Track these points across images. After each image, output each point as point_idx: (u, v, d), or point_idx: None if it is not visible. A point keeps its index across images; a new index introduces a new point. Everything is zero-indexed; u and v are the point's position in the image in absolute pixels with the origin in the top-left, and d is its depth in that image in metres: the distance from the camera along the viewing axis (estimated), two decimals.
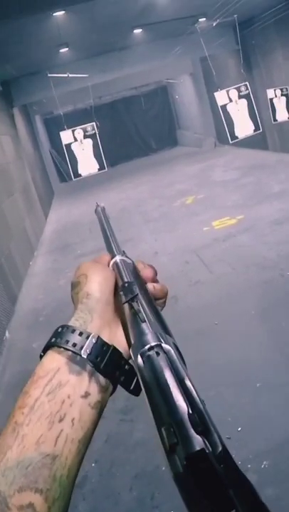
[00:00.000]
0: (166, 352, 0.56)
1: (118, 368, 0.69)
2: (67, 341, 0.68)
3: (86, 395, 0.66)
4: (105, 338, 0.70)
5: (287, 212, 8.71)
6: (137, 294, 0.71)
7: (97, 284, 0.76)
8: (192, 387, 0.51)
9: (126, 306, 0.70)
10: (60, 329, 0.70)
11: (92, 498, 3.53)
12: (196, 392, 0.50)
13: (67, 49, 10.63)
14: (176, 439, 0.44)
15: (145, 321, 0.64)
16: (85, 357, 0.66)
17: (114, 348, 0.70)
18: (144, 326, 0.63)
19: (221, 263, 7.31)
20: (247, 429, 3.74)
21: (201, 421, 0.46)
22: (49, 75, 11.60)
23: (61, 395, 0.64)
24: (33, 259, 10.55)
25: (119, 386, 0.71)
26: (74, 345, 0.67)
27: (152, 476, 3.55)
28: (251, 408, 3.99)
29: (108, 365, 0.68)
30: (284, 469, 3.24)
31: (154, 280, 0.82)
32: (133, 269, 0.83)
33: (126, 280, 0.76)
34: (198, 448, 0.43)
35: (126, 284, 0.74)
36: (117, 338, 0.73)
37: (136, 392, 0.69)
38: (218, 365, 4.65)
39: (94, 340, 0.68)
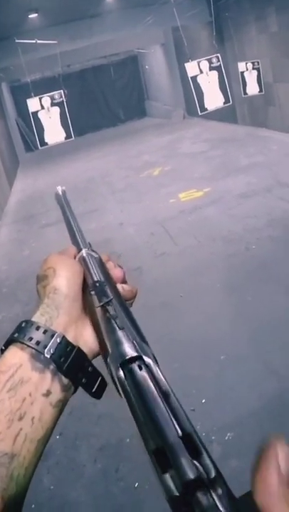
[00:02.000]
0: (147, 365, 0.55)
1: (81, 370, 0.68)
2: (31, 338, 0.66)
3: (48, 393, 0.64)
4: (71, 337, 0.70)
5: (254, 185, 8.72)
6: (112, 298, 0.68)
7: (65, 279, 0.74)
8: (178, 406, 0.49)
9: (99, 310, 0.68)
10: (23, 324, 0.68)
11: (57, 470, 3.52)
12: (183, 410, 0.48)
13: (36, 15, 10.40)
14: (170, 463, 0.43)
15: (122, 329, 0.62)
16: (48, 357, 0.65)
17: (79, 349, 0.69)
18: (120, 333, 0.61)
19: (186, 235, 7.29)
20: (211, 402, 3.76)
21: (192, 444, 0.44)
22: (17, 41, 11.33)
23: (22, 392, 0.62)
24: None
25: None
26: (37, 343, 0.65)
27: (117, 448, 3.55)
28: (215, 380, 4.01)
29: (71, 366, 0.67)
30: (247, 441, 3.26)
31: (124, 281, 0.81)
32: (100, 263, 0.80)
33: (96, 279, 0.74)
34: (193, 476, 0.41)
35: (97, 284, 0.72)
36: (83, 337, 0.72)
37: (97, 395, 0.70)
38: (182, 338, 4.66)
39: (58, 340, 0.67)
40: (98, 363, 0.67)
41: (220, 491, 0.41)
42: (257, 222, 7.08)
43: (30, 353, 0.65)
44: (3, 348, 0.67)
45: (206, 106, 11.22)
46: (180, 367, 4.18)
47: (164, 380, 0.53)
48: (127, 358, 0.56)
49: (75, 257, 0.83)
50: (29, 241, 8.52)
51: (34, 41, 11.50)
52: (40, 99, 11.13)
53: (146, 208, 9.13)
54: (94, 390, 0.69)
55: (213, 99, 11.24)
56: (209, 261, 6.22)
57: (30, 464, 0.60)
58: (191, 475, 0.41)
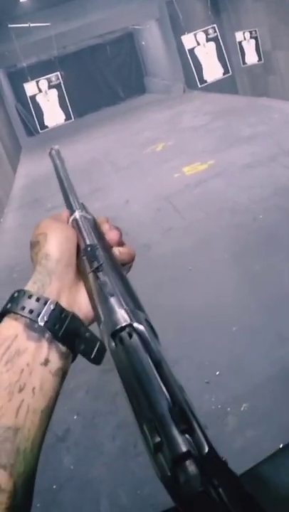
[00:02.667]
0: (139, 333, 0.53)
1: (77, 336, 0.67)
2: (24, 308, 0.65)
3: (46, 362, 0.63)
4: (64, 303, 0.68)
5: (258, 155, 8.67)
6: (103, 263, 0.67)
7: (57, 244, 0.73)
8: (170, 374, 0.48)
9: (91, 276, 0.67)
10: (16, 294, 0.67)
11: (76, 450, 3.56)
12: (175, 379, 0.47)
13: None
14: (159, 437, 0.41)
15: (113, 295, 0.60)
16: (42, 325, 0.64)
17: (73, 315, 0.67)
18: (112, 300, 0.59)
19: (193, 209, 7.27)
20: (225, 373, 3.78)
21: (183, 416, 0.42)
22: (9, 26, 11.25)
23: (20, 363, 0.61)
24: (3, 216, 10.44)
25: None
26: (30, 311, 0.64)
27: (133, 425, 3.56)
28: (228, 352, 4.02)
29: (67, 333, 0.65)
30: (262, 411, 3.28)
31: (120, 243, 0.79)
32: (94, 225, 0.79)
33: (88, 242, 0.73)
34: (183, 450, 0.39)
35: (89, 248, 0.71)
36: (77, 303, 0.71)
37: (97, 361, 0.68)
38: (193, 311, 4.67)
39: (52, 307, 0.65)
40: (95, 328, 0.65)
41: (212, 468, 0.39)
42: (263, 191, 7.04)
43: (25, 323, 0.64)
44: None
45: (205, 78, 11.16)
46: (192, 340, 4.20)
47: (156, 347, 0.51)
48: (118, 327, 0.54)
49: (68, 221, 0.82)
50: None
51: (27, 25, 11.43)
52: (37, 82, 11.13)
53: (151, 184, 9.10)
54: (93, 356, 0.67)
55: (212, 70, 11.17)
56: (217, 233, 6.21)
57: (36, 436, 0.58)
58: (180, 449, 0.40)
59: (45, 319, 0.64)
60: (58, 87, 11.19)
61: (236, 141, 10.04)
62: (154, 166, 10.29)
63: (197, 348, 4.09)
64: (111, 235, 0.78)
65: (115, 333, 0.54)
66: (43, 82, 11.11)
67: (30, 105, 11.23)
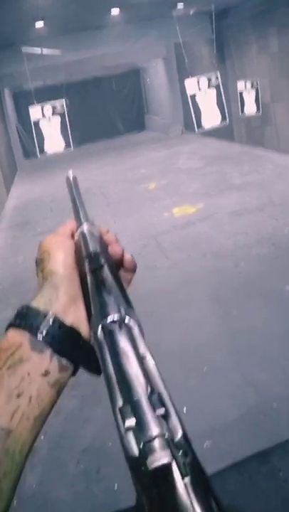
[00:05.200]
0: (128, 327, 0.56)
1: (76, 349, 0.69)
2: (26, 322, 0.68)
3: (46, 373, 0.66)
4: (71, 316, 0.71)
5: (247, 204, 8.88)
6: (103, 265, 0.70)
7: (61, 262, 0.76)
8: (154, 366, 0.50)
9: (90, 276, 0.70)
10: (20, 309, 0.71)
11: (41, 469, 3.61)
12: (159, 372, 0.49)
13: (42, 23, 10.54)
14: (133, 420, 0.42)
15: (109, 293, 0.64)
16: (41, 339, 0.66)
17: (72, 329, 0.70)
18: (107, 297, 0.63)
19: (178, 249, 7.45)
20: (192, 410, 3.89)
21: (161, 402, 0.44)
22: (23, 50, 11.47)
23: (21, 371, 0.64)
24: None
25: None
26: (31, 325, 0.67)
27: (99, 450, 3.66)
28: (197, 390, 4.14)
29: (65, 346, 0.68)
30: (224, 450, 3.40)
31: (122, 256, 0.82)
32: (99, 239, 0.81)
33: (92, 250, 0.76)
34: (156, 433, 0.40)
35: (92, 254, 0.74)
36: (82, 317, 0.73)
37: (97, 372, 0.66)
38: (168, 348, 4.77)
39: (50, 322, 0.68)
40: None
41: (183, 454, 0.40)
42: (247, 239, 7.24)
43: (30, 334, 0.67)
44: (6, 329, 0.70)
45: (202, 124, 11.39)
46: (164, 375, 4.32)
47: (143, 342, 0.54)
48: (109, 317, 0.57)
49: (73, 234, 0.85)
50: (24, 247, 8.63)
51: (40, 51, 11.65)
52: (42, 107, 11.24)
53: (140, 221, 9.27)
54: (93, 367, 0.68)
55: (211, 117, 11.42)
56: (198, 275, 6.37)
57: (26, 441, 0.61)
58: (154, 432, 0.40)
59: (44, 333, 0.67)
60: (61, 114, 11.33)
61: (228, 187, 10.26)
62: (145, 203, 10.47)
63: (168, 383, 4.20)
64: (115, 248, 0.81)
65: (105, 325, 0.57)
66: (48, 108, 11.25)
67: (33, 129, 11.35)
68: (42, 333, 0.67)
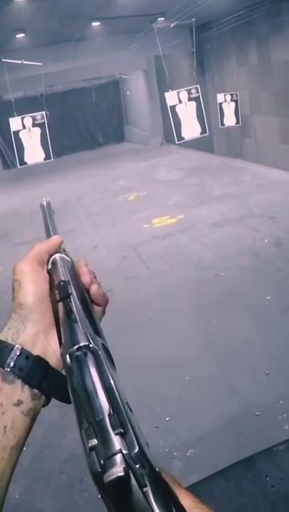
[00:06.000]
0: (93, 352, 0.57)
1: (45, 378, 0.70)
2: None
3: (19, 402, 0.67)
4: (39, 348, 0.72)
5: (226, 215, 8.96)
6: (71, 294, 0.71)
7: (31, 294, 0.75)
8: (115, 389, 0.52)
9: (60, 305, 0.70)
10: None
11: (23, 480, 3.61)
12: (119, 394, 0.51)
13: (23, 35, 10.55)
14: (96, 439, 0.45)
15: (76, 321, 0.64)
16: (9, 370, 0.67)
17: (40, 359, 0.71)
18: (75, 326, 0.63)
19: (158, 260, 7.49)
20: (174, 419, 3.91)
21: (119, 422, 0.46)
22: (3, 60, 11.45)
23: None
24: None
25: None
26: None
27: (82, 460, 3.62)
28: (179, 399, 4.17)
29: (33, 376, 0.69)
30: (208, 457, 3.42)
31: (93, 285, 0.81)
32: (71, 267, 0.82)
33: (62, 278, 0.76)
34: (114, 450, 0.43)
35: (61, 283, 0.73)
36: (52, 347, 0.74)
37: (68, 400, 0.65)
38: (149, 358, 4.81)
39: (18, 353, 0.69)
40: None
41: (141, 467, 0.42)
42: (227, 250, 7.30)
43: None
44: None
45: (183, 135, 11.44)
46: (146, 386, 4.34)
47: (106, 367, 0.55)
48: (76, 346, 0.58)
49: (48, 257, 0.84)
50: (2, 259, 8.59)
51: (20, 62, 11.65)
52: (22, 119, 11.23)
53: (120, 232, 9.30)
54: (63, 396, 0.69)
55: (191, 129, 11.48)
56: (179, 286, 6.41)
57: (6, 471, 0.63)
58: (112, 449, 0.43)
59: (11, 365, 0.67)
60: (41, 125, 11.32)
61: (207, 199, 10.35)
62: (125, 214, 10.53)
63: (150, 394, 4.22)
64: (86, 278, 0.81)
65: (72, 353, 0.58)
66: (28, 119, 11.23)
67: (13, 140, 11.32)
68: (9, 364, 0.67)
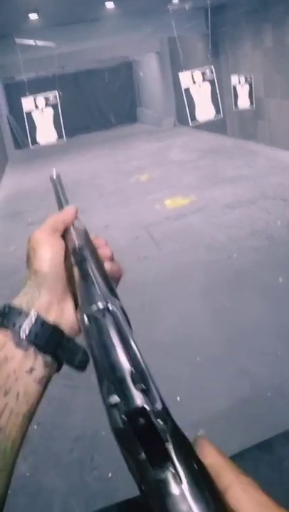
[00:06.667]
0: (112, 314, 0.58)
1: (59, 346, 0.70)
2: (9, 320, 0.68)
3: (31, 370, 0.67)
4: (53, 315, 0.72)
5: (239, 197, 8.90)
6: (87, 258, 0.72)
7: (46, 260, 0.75)
8: (136, 348, 0.52)
9: (76, 269, 0.71)
10: (2, 308, 0.71)
11: (33, 458, 3.62)
12: (140, 354, 0.51)
13: (36, 15, 10.47)
14: (118, 395, 0.46)
15: (93, 284, 0.65)
16: (24, 337, 0.67)
17: (55, 327, 0.71)
18: (92, 288, 0.64)
19: (170, 241, 7.46)
20: (185, 400, 3.90)
21: (142, 379, 0.47)
22: (17, 42, 11.39)
23: (7, 369, 0.65)
24: None
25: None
26: (14, 324, 0.68)
27: (92, 439, 3.67)
28: (190, 380, 4.16)
29: (48, 343, 0.69)
30: (218, 438, 3.39)
31: (112, 260, 0.83)
32: (84, 233, 0.82)
33: (77, 244, 0.77)
34: (138, 404, 0.44)
35: (77, 248, 0.75)
36: (65, 315, 0.74)
37: (81, 368, 0.71)
38: (160, 339, 4.79)
39: (33, 320, 0.69)
40: (80, 338, 0.69)
41: (164, 423, 0.43)
42: (240, 232, 7.25)
43: (13, 333, 0.68)
44: None
45: (197, 117, 11.34)
46: (156, 366, 4.30)
47: (126, 328, 0.56)
48: (94, 307, 0.59)
49: (64, 227, 0.83)
50: (15, 237, 8.60)
51: (33, 42, 11.58)
52: (34, 98, 11.19)
53: (133, 213, 9.27)
54: (76, 363, 0.71)
55: (205, 111, 11.36)
56: (191, 266, 6.38)
57: (17, 437, 0.62)
58: (135, 403, 0.44)
59: (27, 331, 0.67)
60: (54, 106, 11.27)
61: (220, 180, 10.28)
62: (137, 195, 10.48)
63: (161, 375, 4.20)
64: (105, 251, 0.81)
65: (90, 314, 0.59)
66: (41, 99, 11.17)
67: (25, 120, 11.28)
68: (25, 331, 0.68)
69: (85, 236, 0.81)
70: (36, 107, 11.15)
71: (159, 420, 0.43)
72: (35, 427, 3.86)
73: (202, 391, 4.00)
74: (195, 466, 0.41)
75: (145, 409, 0.43)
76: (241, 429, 3.45)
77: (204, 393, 3.97)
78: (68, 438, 3.79)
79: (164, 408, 0.45)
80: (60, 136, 11.50)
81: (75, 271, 0.71)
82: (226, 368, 4.22)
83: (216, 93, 11.36)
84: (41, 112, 11.20)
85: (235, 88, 12.24)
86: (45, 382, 0.69)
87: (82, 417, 3.93)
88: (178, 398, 3.92)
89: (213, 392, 3.96)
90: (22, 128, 14.34)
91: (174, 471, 0.40)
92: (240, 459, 1.75)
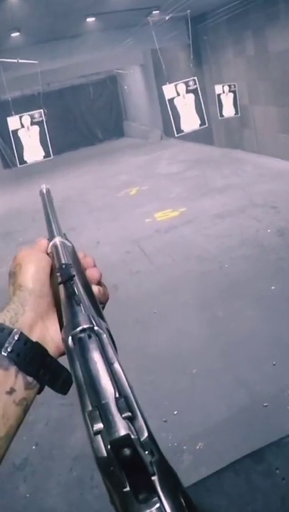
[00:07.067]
0: (97, 335, 0.56)
1: (42, 366, 0.68)
2: None
3: (11, 391, 0.64)
4: (37, 333, 0.71)
5: (228, 206, 8.93)
6: (74, 276, 0.69)
7: (31, 276, 0.74)
8: (121, 372, 0.50)
9: (61, 288, 0.69)
10: None
11: (33, 479, 3.61)
12: (125, 377, 0.49)
13: (18, 33, 10.51)
14: (101, 423, 0.43)
15: (79, 304, 0.63)
16: (5, 355, 0.65)
17: (38, 345, 0.69)
18: (77, 308, 0.62)
19: (161, 254, 7.47)
20: (183, 413, 3.90)
21: (127, 406, 0.44)
22: None
23: None
24: None
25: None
26: None
27: (92, 458, 3.64)
28: (187, 393, 4.16)
29: (30, 363, 0.67)
30: (217, 450, 3.41)
31: (99, 283, 0.81)
32: (72, 252, 0.81)
33: (63, 262, 0.75)
34: (123, 433, 0.41)
35: (63, 266, 0.72)
36: (50, 333, 0.73)
37: (63, 390, 0.70)
38: (156, 352, 4.80)
39: (16, 338, 0.66)
40: (63, 359, 0.66)
41: (150, 453, 0.41)
42: (231, 241, 7.27)
43: None
44: None
45: (182, 128, 11.38)
46: (153, 380, 4.32)
47: (111, 350, 0.54)
48: (79, 328, 0.57)
49: (47, 247, 0.84)
50: (6, 258, 8.57)
51: (16, 61, 11.61)
52: (20, 117, 11.18)
53: (123, 227, 9.27)
54: (59, 386, 0.69)
55: (190, 121, 11.42)
56: (183, 279, 6.39)
57: None
58: (119, 432, 0.41)
59: (9, 350, 0.65)
60: (40, 124, 11.27)
61: (209, 191, 10.31)
62: (127, 209, 10.49)
63: (157, 388, 4.21)
64: (93, 272, 0.80)
65: (75, 335, 0.56)
66: (26, 118, 11.18)
67: (12, 139, 11.29)
68: (7, 349, 0.65)
69: (73, 254, 0.80)
70: (22, 125, 11.14)
71: (144, 451, 0.41)
72: (34, 447, 3.86)
73: (199, 403, 4.00)
74: (182, 500, 0.39)
75: (130, 438, 0.41)
76: (239, 439, 3.45)
77: (201, 405, 3.97)
78: (67, 457, 3.77)
79: (151, 437, 0.42)
80: (47, 154, 11.50)
81: (61, 289, 0.69)
82: (222, 378, 4.22)
83: (201, 103, 11.42)
84: (27, 130, 11.21)
85: (219, 97, 12.30)
86: (25, 405, 0.66)
87: (80, 436, 3.91)
88: (175, 412, 3.92)
89: (210, 403, 3.96)
90: (9, 147, 14.32)
91: (159, 505, 0.38)
92: (232, 469, 1.76)
